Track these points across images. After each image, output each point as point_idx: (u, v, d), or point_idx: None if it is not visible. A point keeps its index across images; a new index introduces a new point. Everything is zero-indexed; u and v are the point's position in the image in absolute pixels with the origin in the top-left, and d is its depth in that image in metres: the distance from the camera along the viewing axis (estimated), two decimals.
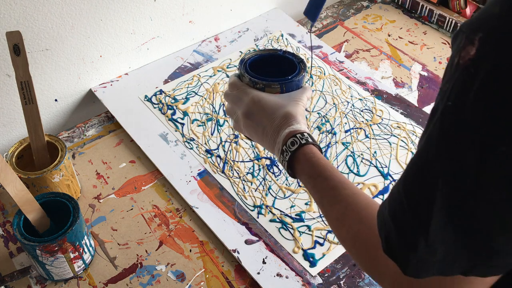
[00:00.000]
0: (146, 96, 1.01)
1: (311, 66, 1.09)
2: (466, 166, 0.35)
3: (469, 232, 0.37)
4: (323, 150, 0.93)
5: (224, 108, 0.66)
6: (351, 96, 1.04)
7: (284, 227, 0.81)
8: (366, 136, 0.96)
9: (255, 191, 0.86)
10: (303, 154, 0.58)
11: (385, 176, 0.89)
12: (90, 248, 0.76)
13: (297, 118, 0.61)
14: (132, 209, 0.84)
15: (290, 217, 0.83)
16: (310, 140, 0.59)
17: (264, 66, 0.68)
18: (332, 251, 0.79)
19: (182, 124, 0.96)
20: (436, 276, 0.41)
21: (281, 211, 0.84)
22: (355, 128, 0.97)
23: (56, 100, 0.99)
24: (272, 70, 0.67)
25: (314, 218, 0.83)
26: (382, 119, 0.99)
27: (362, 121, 0.98)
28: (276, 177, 0.88)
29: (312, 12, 0.74)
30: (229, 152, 0.92)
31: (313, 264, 0.77)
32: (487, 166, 0.34)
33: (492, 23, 0.34)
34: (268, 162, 0.91)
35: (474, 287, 0.40)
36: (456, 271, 0.39)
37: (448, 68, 0.38)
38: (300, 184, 0.87)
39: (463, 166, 0.35)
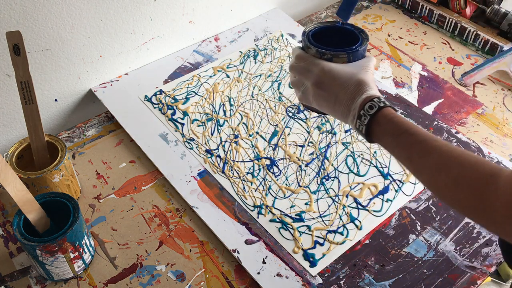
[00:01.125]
0: (146, 96, 1.01)
1: None
2: None
3: None
4: (323, 150, 0.93)
5: (290, 81, 0.71)
6: None
7: (284, 227, 0.81)
8: None
9: (255, 191, 0.86)
10: (383, 116, 0.59)
11: (385, 176, 0.89)
12: (90, 248, 0.76)
13: (370, 85, 0.62)
14: (132, 209, 0.84)
15: (290, 217, 0.83)
16: (387, 103, 0.60)
17: (322, 38, 0.70)
18: (332, 251, 0.79)
19: (182, 124, 0.96)
20: None
21: (281, 211, 0.84)
22: None
23: (56, 100, 0.99)
24: (332, 42, 0.69)
25: (314, 218, 0.83)
26: None
27: None
28: (276, 177, 0.88)
29: (344, 13, 0.77)
30: (229, 152, 0.92)
31: (313, 264, 0.77)
32: None
33: None
34: (268, 162, 0.91)
35: None
36: None
37: None
38: (300, 184, 0.87)
39: None
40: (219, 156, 0.91)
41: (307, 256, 0.78)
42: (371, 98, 0.60)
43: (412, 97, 1.06)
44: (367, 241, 0.81)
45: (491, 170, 0.48)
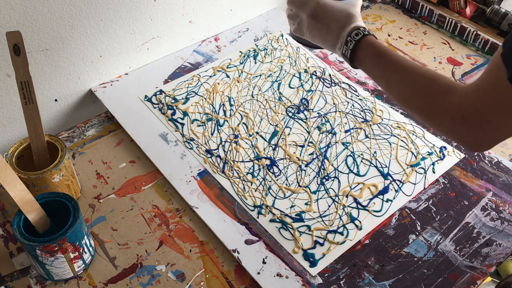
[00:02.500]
0: (146, 96, 1.01)
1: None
2: None
3: None
4: (323, 150, 0.93)
5: (286, 15, 0.81)
6: (351, 96, 1.04)
7: (284, 227, 0.81)
8: (366, 136, 0.96)
9: (255, 191, 0.86)
10: (366, 41, 0.69)
11: (385, 176, 0.89)
12: (90, 248, 0.76)
13: (358, 18, 0.72)
14: (132, 209, 0.84)
15: (290, 217, 0.83)
16: (371, 33, 0.70)
17: None
18: (332, 251, 0.79)
19: (182, 124, 0.96)
20: None
21: (281, 211, 0.84)
22: (355, 128, 0.97)
23: (56, 100, 0.99)
24: None
25: (314, 218, 0.83)
26: (382, 119, 0.99)
27: (362, 121, 0.98)
28: (276, 177, 0.88)
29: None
30: (229, 152, 0.92)
31: (313, 264, 0.77)
32: None
33: None
34: (268, 162, 0.91)
35: None
36: None
37: None
38: (300, 184, 0.87)
39: None
40: (219, 156, 0.91)
41: (307, 256, 0.78)
42: (358, 27, 0.70)
43: None
44: (367, 241, 0.81)
45: (450, 83, 0.59)
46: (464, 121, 0.57)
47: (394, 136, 0.96)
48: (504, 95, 0.53)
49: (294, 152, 0.93)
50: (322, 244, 0.79)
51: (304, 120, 0.98)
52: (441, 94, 0.59)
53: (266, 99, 1.02)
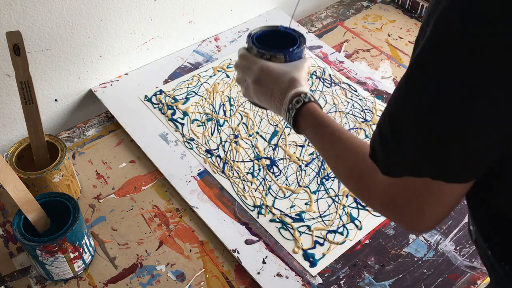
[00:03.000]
0: (146, 96, 1.01)
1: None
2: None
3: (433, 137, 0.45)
4: None
5: (235, 78, 0.78)
6: (351, 96, 1.04)
7: (284, 227, 0.81)
8: (366, 136, 0.96)
9: (255, 191, 0.86)
10: (307, 109, 0.66)
11: None
12: (90, 248, 0.76)
13: (300, 82, 0.69)
14: (132, 209, 0.84)
15: (290, 217, 0.83)
16: (312, 99, 0.67)
17: (268, 40, 0.75)
18: (332, 251, 0.79)
19: (182, 124, 0.96)
20: (412, 179, 0.48)
21: (281, 211, 0.84)
22: (355, 128, 0.97)
23: (56, 100, 0.99)
24: (275, 44, 0.74)
25: (314, 218, 0.83)
26: None
27: (362, 121, 0.98)
28: (276, 177, 0.88)
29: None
30: (229, 152, 0.92)
31: (313, 264, 0.77)
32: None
33: None
34: (268, 162, 0.91)
35: (445, 191, 0.47)
36: (425, 173, 0.47)
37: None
38: (300, 184, 0.87)
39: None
40: (219, 156, 0.91)
41: (307, 256, 0.78)
42: (299, 93, 0.67)
43: None
44: (367, 241, 0.81)
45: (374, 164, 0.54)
46: (389, 208, 0.52)
47: None
48: (396, 190, 0.50)
49: (294, 152, 0.93)
50: (322, 244, 0.79)
51: None
52: (368, 177, 0.54)
53: None
